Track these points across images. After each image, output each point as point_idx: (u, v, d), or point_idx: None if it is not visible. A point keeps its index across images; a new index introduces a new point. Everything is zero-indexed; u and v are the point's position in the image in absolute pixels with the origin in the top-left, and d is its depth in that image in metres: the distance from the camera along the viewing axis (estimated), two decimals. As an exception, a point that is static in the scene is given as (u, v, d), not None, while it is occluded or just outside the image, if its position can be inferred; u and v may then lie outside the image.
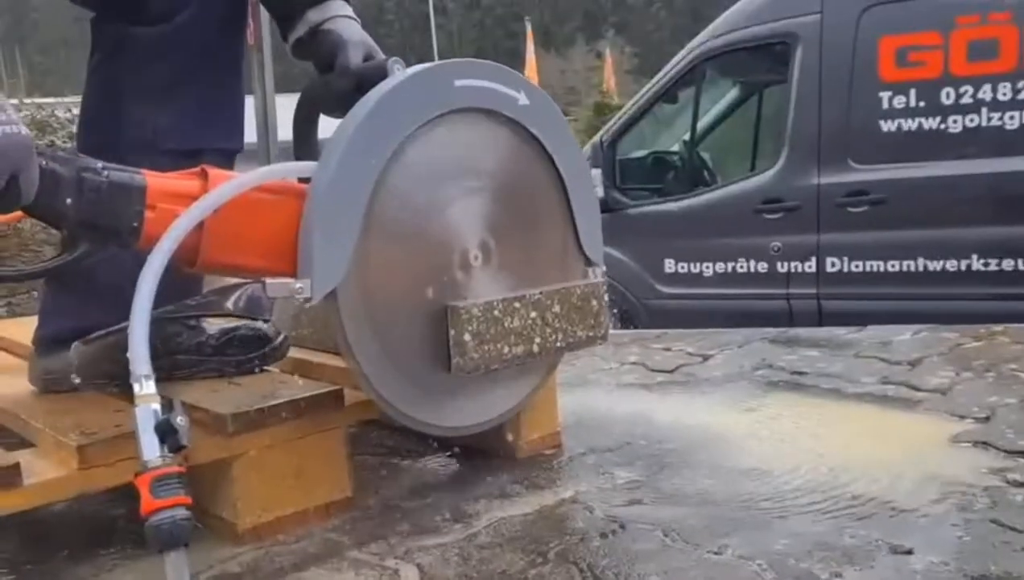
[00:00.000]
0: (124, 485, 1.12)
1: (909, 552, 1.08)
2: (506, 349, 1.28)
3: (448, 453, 1.57)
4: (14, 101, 8.46)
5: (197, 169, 1.17)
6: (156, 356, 1.38)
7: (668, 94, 5.08)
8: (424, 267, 1.25)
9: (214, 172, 1.16)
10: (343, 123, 1.21)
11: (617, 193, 4.95)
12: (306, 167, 1.20)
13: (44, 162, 1.03)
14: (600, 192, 4.81)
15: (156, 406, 0.94)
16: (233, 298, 1.32)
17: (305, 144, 1.41)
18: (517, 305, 1.29)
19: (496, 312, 1.26)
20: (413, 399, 1.28)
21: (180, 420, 0.92)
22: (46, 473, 1.12)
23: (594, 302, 1.38)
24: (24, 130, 0.98)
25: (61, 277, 1.45)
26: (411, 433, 1.68)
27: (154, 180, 1.12)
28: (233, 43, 1.49)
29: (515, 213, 1.34)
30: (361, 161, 1.17)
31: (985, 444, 1.45)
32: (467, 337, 1.23)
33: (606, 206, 4.81)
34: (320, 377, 1.45)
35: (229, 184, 1.12)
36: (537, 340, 1.31)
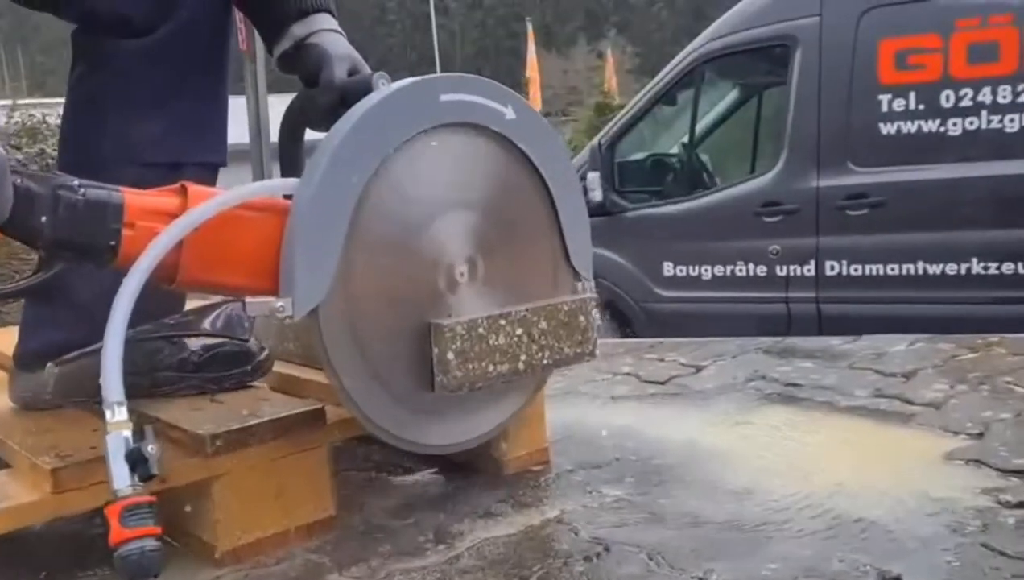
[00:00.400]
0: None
1: (897, 578, 1.06)
2: (491, 367, 1.26)
3: (434, 470, 1.55)
4: (8, 101, 8.44)
5: (176, 186, 1.15)
6: (137, 373, 1.38)
7: (667, 96, 5.06)
8: (409, 284, 1.23)
9: (194, 189, 1.14)
10: (326, 138, 1.19)
11: (615, 196, 4.93)
12: (289, 184, 1.18)
13: (18, 180, 1.02)
14: (598, 195, 4.80)
15: (127, 434, 0.92)
16: (211, 318, 1.31)
17: (291, 160, 1.39)
18: (502, 322, 1.27)
19: (480, 330, 1.24)
20: (397, 418, 1.26)
21: (151, 449, 0.90)
22: (19, 497, 1.11)
23: (582, 318, 1.36)
24: None
25: (40, 292, 1.44)
26: (397, 449, 1.66)
27: (132, 197, 1.10)
28: (217, 56, 1.47)
29: (502, 229, 1.32)
30: (344, 177, 1.15)
31: (978, 462, 1.43)
32: (450, 355, 1.21)
33: (604, 209, 4.80)
34: (306, 393, 1.44)
35: (209, 203, 1.10)
36: (523, 358, 1.29)
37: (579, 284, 1.42)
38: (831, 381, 2.00)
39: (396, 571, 1.18)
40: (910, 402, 1.79)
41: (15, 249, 3.00)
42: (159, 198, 1.13)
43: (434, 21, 21.37)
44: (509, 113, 1.30)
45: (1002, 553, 1.11)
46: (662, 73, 5.03)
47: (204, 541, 1.24)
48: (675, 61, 4.97)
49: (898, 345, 2.28)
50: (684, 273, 4.73)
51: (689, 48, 4.92)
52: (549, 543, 1.24)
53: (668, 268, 4.76)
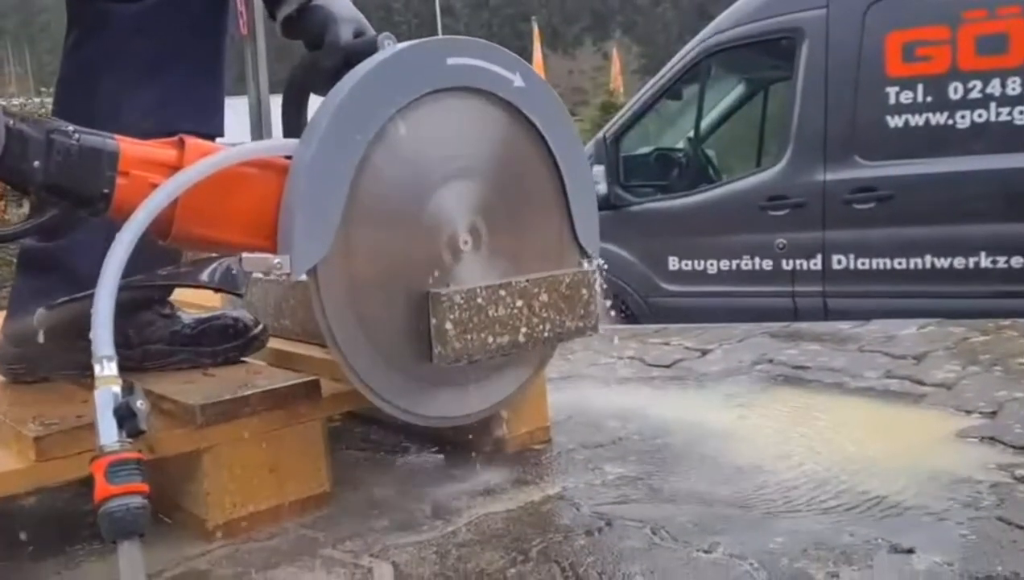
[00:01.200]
0: (87, 478, 1.07)
1: (910, 551, 1.02)
2: (490, 338, 1.22)
3: (434, 449, 1.52)
4: (22, 100, 8.44)
5: (174, 138, 1.11)
6: (129, 345, 1.35)
7: (672, 90, 5.02)
8: (410, 249, 1.19)
9: (192, 141, 1.11)
10: (329, 96, 1.15)
11: (620, 190, 4.88)
12: (290, 144, 1.14)
13: (11, 122, 0.99)
14: (603, 189, 4.76)
15: (116, 389, 0.88)
16: (208, 270, 1.27)
17: (294, 125, 1.36)
18: (502, 293, 1.23)
19: (480, 300, 1.20)
20: (395, 386, 1.22)
21: (140, 404, 0.87)
22: (3, 465, 1.07)
23: (584, 291, 1.32)
24: None
25: (32, 264, 1.41)
26: (396, 428, 1.63)
27: (128, 146, 1.07)
28: (212, 26, 1.44)
29: (507, 199, 1.28)
30: (346, 136, 1.11)
31: (992, 439, 1.39)
32: (448, 325, 1.17)
33: (609, 203, 4.75)
34: (302, 369, 1.40)
35: (210, 159, 1.06)
36: (523, 330, 1.25)
37: (585, 261, 1.38)
38: (840, 363, 1.96)
39: (392, 546, 1.14)
40: (921, 383, 1.75)
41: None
42: (156, 149, 1.09)
43: (440, 21, 21.34)
44: (517, 80, 1.26)
45: (1020, 527, 1.07)
46: (667, 67, 4.98)
47: (194, 514, 1.20)
48: (680, 55, 4.92)
49: (908, 328, 2.24)
50: (689, 267, 4.68)
51: (694, 42, 4.87)
52: (550, 518, 1.20)
53: (673, 262, 4.72)
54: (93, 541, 1.20)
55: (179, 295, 1.77)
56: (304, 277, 1.09)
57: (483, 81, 1.23)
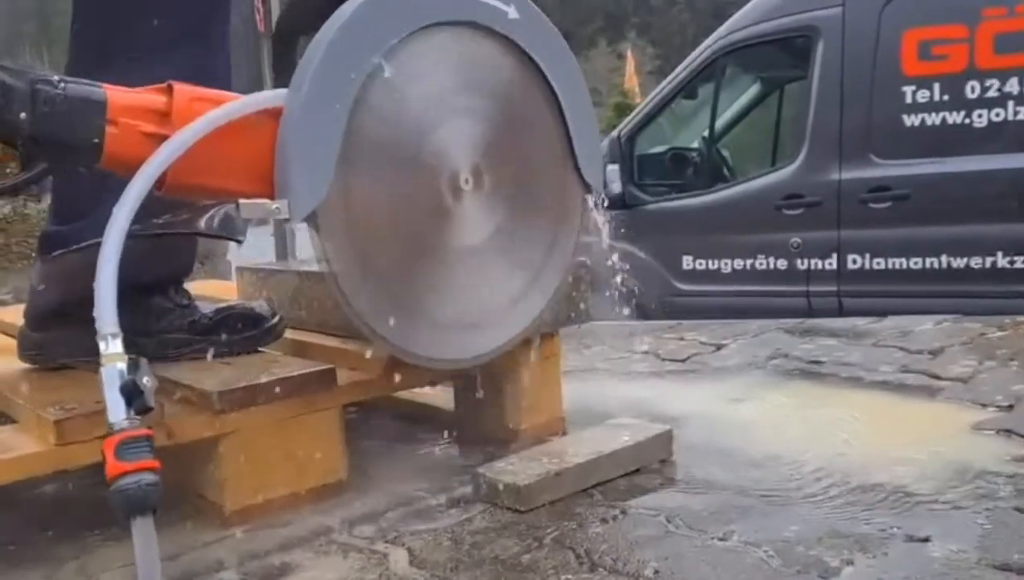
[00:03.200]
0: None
1: (926, 540, 1.02)
2: None
3: (449, 438, 1.52)
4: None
5: (163, 85, 1.09)
6: (147, 334, 1.36)
7: (687, 89, 5.01)
8: (410, 190, 1.16)
9: (180, 87, 1.08)
10: (319, 34, 1.11)
11: (635, 189, 4.88)
12: (285, 94, 1.10)
13: None
14: (617, 187, 4.75)
15: (122, 366, 0.88)
16: (206, 217, 1.26)
17: (284, 68, 1.34)
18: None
19: None
20: (401, 329, 1.17)
21: (146, 381, 0.87)
22: (24, 448, 1.09)
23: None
24: None
25: (50, 248, 1.41)
26: (412, 418, 1.64)
27: (115, 94, 1.04)
28: (219, 3, 1.42)
29: (507, 135, 1.24)
30: (339, 74, 1.08)
31: (1009, 432, 1.38)
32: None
33: (623, 202, 4.75)
34: (318, 359, 1.41)
35: (219, 112, 1.04)
36: None
37: (589, 196, 1.34)
38: (855, 358, 1.95)
39: (407, 532, 1.15)
40: (937, 377, 1.75)
41: (32, 226, 2.98)
42: (144, 96, 1.07)
43: (454, 23, 21.32)
44: (512, 12, 1.22)
45: (1036, 516, 1.06)
46: (682, 66, 4.97)
47: (211, 501, 1.21)
48: (695, 53, 4.91)
49: (924, 324, 2.23)
50: (704, 267, 4.67)
51: (709, 40, 4.86)
52: (564, 507, 1.20)
53: (687, 262, 4.70)
54: (111, 526, 1.21)
55: (196, 286, 1.79)
56: (304, 222, 1.07)
57: (477, 14, 1.19)
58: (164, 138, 1.02)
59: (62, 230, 1.36)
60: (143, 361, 0.89)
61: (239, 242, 1.36)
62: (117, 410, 0.85)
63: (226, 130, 1.05)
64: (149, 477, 0.82)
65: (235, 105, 1.06)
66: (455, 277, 1.21)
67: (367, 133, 1.11)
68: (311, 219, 1.07)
